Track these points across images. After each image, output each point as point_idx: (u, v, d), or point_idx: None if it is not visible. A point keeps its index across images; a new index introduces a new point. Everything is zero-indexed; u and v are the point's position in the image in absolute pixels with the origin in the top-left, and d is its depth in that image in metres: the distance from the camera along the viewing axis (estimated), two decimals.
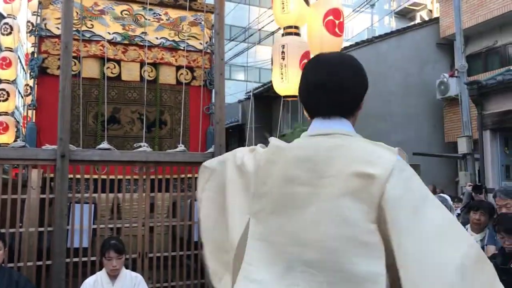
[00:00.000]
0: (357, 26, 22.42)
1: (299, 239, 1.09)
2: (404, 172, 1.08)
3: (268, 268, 1.11)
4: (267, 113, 14.69)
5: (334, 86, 1.20)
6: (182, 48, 5.25)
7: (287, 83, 4.20)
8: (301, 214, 1.11)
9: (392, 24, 26.59)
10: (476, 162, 9.69)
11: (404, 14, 26.07)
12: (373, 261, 1.01)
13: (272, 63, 4.42)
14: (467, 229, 4.12)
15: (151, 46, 5.09)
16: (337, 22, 4.40)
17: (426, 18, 18.58)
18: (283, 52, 4.20)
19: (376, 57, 12.34)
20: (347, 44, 12.96)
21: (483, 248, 3.82)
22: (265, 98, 14.05)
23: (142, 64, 5.08)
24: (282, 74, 4.21)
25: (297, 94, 4.37)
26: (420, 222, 1.02)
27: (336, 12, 4.41)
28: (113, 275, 3.18)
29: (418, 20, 20.60)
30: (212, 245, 1.41)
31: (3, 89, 8.54)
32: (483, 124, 8.93)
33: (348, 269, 1.02)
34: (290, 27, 4.30)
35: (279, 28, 4.48)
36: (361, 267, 1.01)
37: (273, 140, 1.28)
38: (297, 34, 4.34)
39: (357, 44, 12.58)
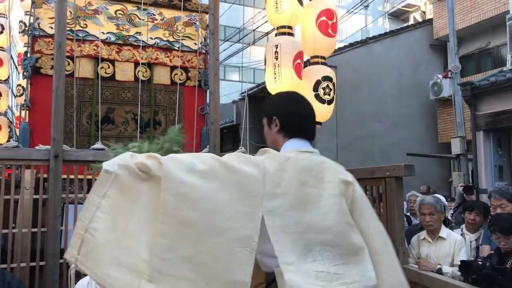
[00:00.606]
0: (351, 27, 22.49)
1: (316, 226, 1.48)
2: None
3: (293, 252, 1.43)
4: (261, 114, 14.65)
5: (314, 116, 1.74)
6: (176, 48, 5.25)
7: (280, 83, 4.19)
8: (315, 208, 1.50)
9: (385, 25, 26.67)
10: (470, 162, 9.75)
11: (397, 15, 26.16)
12: (359, 235, 1.54)
13: (265, 63, 4.42)
14: (461, 229, 4.15)
15: (145, 46, 5.08)
16: (330, 22, 4.41)
17: (420, 20, 18.66)
18: (276, 52, 4.20)
19: (370, 58, 12.38)
20: (341, 45, 12.99)
21: (478, 248, 3.85)
22: (259, 99, 14.01)
23: (136, 64, 5.07)
24: (275, 74, 4.21)
25: None
26: (369, 208, 1.65)
27: (329, 13, 4.42)
28: None
29: (411, 22, 20.69)
30: (121, 257, 1.38)
31: None
32: (476, 125, 8.98)
33: (350, 242, 1.51)
34: (284, 27, 4.29)
35: (274, 29, 4.49)
36: (355, 240, 1.52)
37: (273, 151, 1.58)
38: (291, 34, 4.33)
39: (351, 45, 12.61)
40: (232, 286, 1.37)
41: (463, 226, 4.21)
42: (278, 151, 1.64)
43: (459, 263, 3.12)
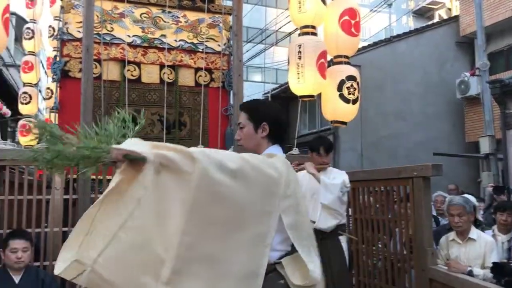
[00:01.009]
0: (375, 26, 22.24)
1: (304, 226, 1.68)
2: None
3: (303, 248, 1.62)
4: (284, 114, 14.63)
5: None
6: (200, 50, 5.30)
7: (304, 83, 4.18)
8: (302, 210, 1.70)
9: (410, 23, 26.27)
10: (499, 162, 9.51)
11: (422, 13, 25.73)
12: None
13: (288, 63, 4.41)
14: (493, 230, 4.05)
15: (170, 49, 5.15)
16: (353, 22, 4.38)
17: (445, 17, 18.32)
18: (299, 52, 4.19)
19: (394, 57, 12.22)
20: (364, 44, 12.86)
21: (510, 249, 3.76)
22: (282, 99, 14.02)
23: (161, 66, 5.14)
24: (298, 74, 4.20)
25: (314, 94, 4.37)
26: None
27: (352, 12, 4.39)
28: None
29: (436, 19, 20.31)
30: (145, 261, 1.40)
31: (26, 92, 8.71)
32: (506, 124, 8.74)
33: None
34: (307, 26, 4.28)
35: (296, 29, 4.48)
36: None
37: (279, 156, 1.73)
38: (314, 34, 4.31)
39: (375, 44, 12.47)
40: (247, 279, 1.46)
41: (495, 227, 4.11)
42: (258, 154, 1.75)
43: (491, 265, 3.05)
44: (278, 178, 1.57)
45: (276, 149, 1.80)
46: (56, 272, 1.48)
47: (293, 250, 1.65)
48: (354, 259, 4.02)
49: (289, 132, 14.79)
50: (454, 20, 13.48)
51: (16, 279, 2.96)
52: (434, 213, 5.40)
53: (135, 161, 1.44)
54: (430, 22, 16.69)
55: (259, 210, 1.51)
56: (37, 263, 3.50)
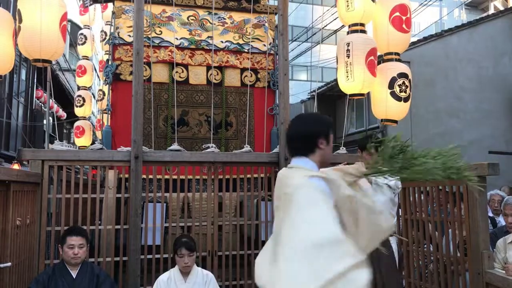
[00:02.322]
0: (424, 21, 21.53)
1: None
2: (301, 188, 1.73)
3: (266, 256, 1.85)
4: (330, 113, 14.47)
5: (289, 136, 1.97)
6: (246, 50, 5.33)
7: (353, 82, 4.11)
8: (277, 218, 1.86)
9: (462, 16, 25.23)
10: None
11: (475, 5, 24.65)
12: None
13: (337, 62, 4.35)
14: None
15: (216, 50, 5.22)
16: (404, 18, 4.27)
17: (501, 8, 17.43)
18: (348, 50, 4.12)
19: (446, 52, 11.76)
20: (414, 39, 12.46)
21: None
22: (328, 98, 13.87)
23: (208, 67, 5.22)
24: (347, 72, 4.13)
25: (363, 92, 4.30)
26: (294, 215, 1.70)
27: (403, 8, 4.28)
28: (185, 272, 3.29)
29: (492, 11, 19.38)
30: None
31: (80, 95, 9.11)
32: None
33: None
34: (356, 24, 4.21)
35: (343, 26, 4.41)
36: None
37: (281, 171, 1.99)
38: (363, 32, 4.24)
39: (425, 38, 12.05)
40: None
41: None
42: None
43: None
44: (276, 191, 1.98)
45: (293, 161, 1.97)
46: None
47: None
48: (405, 261, 3.92)
49: (336, 131, 14.62)
50: (511, 11, 12.80)
51: (74, 273, 3.11)
52: (490, 213, 5.16)
53: None
54: (485, 14, 15.93)
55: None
56: (92, 259, 3.66)
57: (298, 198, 1.69)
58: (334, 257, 1.55)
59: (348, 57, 4.11)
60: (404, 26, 4.24)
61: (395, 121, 4.38)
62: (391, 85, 4.22)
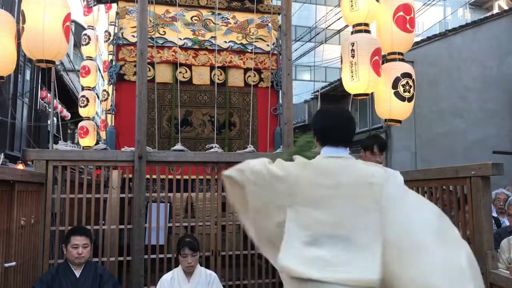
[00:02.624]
0: (428, 20, 21.47)
1: (326, 221, 1.71)
2: (392, 178, 1.77)
3: (298, 239, 1.71)
4: None
5: (343, 126, 1.99)
6: (249, 50, 5.34)
7: (358, 82, 4.10)
8: (328, 206, 1.73)
9: (466, 16, 25.14)
10: None
11: (479, 4, 24.58)
12: (374, 234, 1.64)
13: (341, 62, 4.34)
14: None
15: (220, 50, 5.22)
16: (407, 17, 4.26)
17: (506, 7, 17.36)
18: (352, 50, 4.12)
19: (450, 51, 11.73)
20: (417, 39, 12.44)
21: None
22: (332, 98, 13.86)
23: (211, 68, 5.23)
24: (352, 72, 4.12)
25: (368, 92, 4.28)
26: (403, 204, 1.69)
27: (406, 8, 4.28)
28: (188, 272, 3.29)
29: (496, 10, 19.30)
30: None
31: (84, 96, 9.14)
32: None
33: (360, 239, 1.65)
34: (360, 24, 4.20)
35: (346, 26, 4.40)
36: (366, 238, 1.64)
37: (299, 158, 1.91)
38: (367, 31, 4.23)
39: (428, 38, 12.03)
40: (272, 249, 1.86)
41: None
42: None
43: None
44: (283, 177, 1.82)
45: (324, 151, 1.95)
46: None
47: None
48: None
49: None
50: None
51: (77, 273, 3.12)
52: (495, 213, 5.14)
53: None
54: (489, 14, 15.88)
55: (276, 204, 1.82)
56: (96, 259, 3.67)
57: (394, 187, 1.74)
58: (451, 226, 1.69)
59: (353, 57, 4.11)
60: (408, 26, 4.23)
61: (399, 121, 4.37)
62: (395, 85, 4.21)
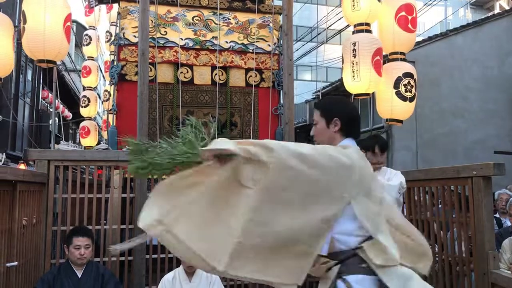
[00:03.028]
0: (429, 20, 21.45)
1: (385, 212, 1.79)
2: None
3: (377, 230, 1.72)
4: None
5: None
6: (251, 50, 5.34)
7: (359, 81, 4.11)
8: (379, 196, 1.80)
9: (468, 16, 25.12)
10: None
11: (481, 4, 24.55)
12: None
13: (342, 62, 4.35)
14: None
15: (221, 50, 5.22)
16: (409, 17, 4.27)
17: (507, 7, 17.35)
18: (354, 49, 4.12)
19: (451, 52, 11.71)
20: (418, 39, 12.42)
21: None
22: None
23: (213, 68, 5.22)
24: (353, 72, 4.13)
25: (369, 92, 4.28)
26: None
27: (408, 8, 4.28)
28: (190, 272, 3.30)
29: (497, 10, 19.29)
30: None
31: (85, 96, 9.15)
32: None
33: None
34: (361, 24, 4.21)
35: (347, 26, 4.41)
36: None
37: (354, 146, 1.85)
38: (368, 31, 4.24)
39: (429, 38, 12.01)
40: (300, 258, 1.61)
41: None
42: None
43: None
44: (351, 166, 1.69)
45: (349, 142, 1.89)
46: (141, 224, 1.60)
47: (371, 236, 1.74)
48: None
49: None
50: None
51: (79, 273, 3.12)
52: (497, 214, 5.14)
53: (222, 158, 1.62)
54: (490, 14, 15.86)
55: (328, 195, 1.65)
56: (97, 259, 3.67)
57: None
58: None
59: (355, 56, 4.11)
60: (409, 25, 4.24)
61: (401, 121, 4.37)
62: (396, 84, 4.22)
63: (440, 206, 3.70)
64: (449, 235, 3.65)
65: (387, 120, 4.46)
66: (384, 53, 4.33)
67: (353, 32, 4.29)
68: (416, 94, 4.34)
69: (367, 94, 4.25)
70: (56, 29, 3.79)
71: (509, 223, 4.33)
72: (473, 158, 9.47)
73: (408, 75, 4.25)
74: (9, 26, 3.99)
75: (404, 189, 3.40)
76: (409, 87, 4.23)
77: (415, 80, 4.32)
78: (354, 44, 4.12)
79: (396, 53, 4.33)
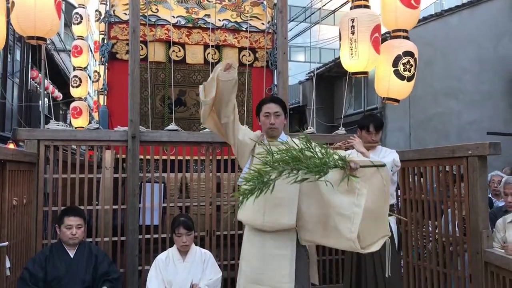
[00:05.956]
0: (424, 0, 21.26)
1: None
2: None
3: None
4: (328, 94, 14.40)
5: None
6: (244, 29, 5.24)
7: (357, 59, 4.00)
8: None
9: None
10: None
11: None
12: None
13: (340, 39, 4.25)
14: None
15: (214, 28, 5.12)
16: None
17: None
18: (352, 26, 4.00)
19: (445, 32, 11.62)
20: None
21: None
22: (326, 79, 13.77)
23: (205, 46, 5.13)
24: (351, 49, 4.02)
25: (367, 70, 4.20)
26: None
27: None
28: (183, 251, 3.28)
29: None
30: None
31: (76, 76, 9.00)
32: None
33: None
34: None
35: (341, 5, 4.30)
36: None
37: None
38: (367, 7, 4.11)
39: (424, 18, 11.89)
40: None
41: None
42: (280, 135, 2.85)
43: None
44: None
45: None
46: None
47: None
48: (403, 241, 3.92)
49: (334, 112, 14.50)
50: None
51: (71, 253, 3.09)
52: (489, 194, 5.16)
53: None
54: None
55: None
56: (90, 239, 3.64)
57: None
58: None
59: (353, 33, 3.99)
60: (412, 1, 4.10)
61: (397, 100, 4.31)
62: (395, 63, 4.11)
63: (434, 186, 3.70)
64: (443, 215, 3.65)
65: (383, 98, 4.40)
66: (386, 30, 4.21)
67: (351, 8, 4.17)
68: (415, 73, 4.27)
69: (365, 73, 4.17)
70: (48, 4, 3.65)
71: (500, 204, 4.35)
72: (466, 139, 9.49)
73: (408, 53, 4.14)
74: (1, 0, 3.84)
75: (398, 167, 3.38)
76: (408, 66, 4.14)
77: (415, 60, 4.23)
78: (353, 20, 4.00)
79: (399, 30, 4.18)
